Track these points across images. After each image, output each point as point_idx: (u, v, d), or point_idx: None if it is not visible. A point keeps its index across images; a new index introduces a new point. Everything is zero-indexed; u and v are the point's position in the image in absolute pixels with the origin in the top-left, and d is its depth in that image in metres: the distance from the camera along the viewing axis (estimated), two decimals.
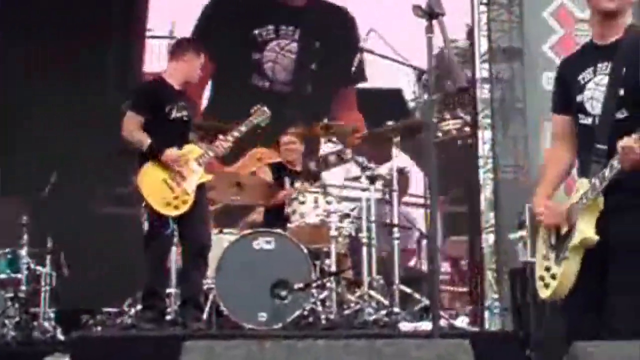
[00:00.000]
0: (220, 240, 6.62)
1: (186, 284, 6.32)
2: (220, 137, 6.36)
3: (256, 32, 10.19)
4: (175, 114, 6.22)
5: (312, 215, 6.76)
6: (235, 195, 6.95)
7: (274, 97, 9.72)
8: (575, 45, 10.22)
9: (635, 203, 3.39)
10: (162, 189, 6.14)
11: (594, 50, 3.57)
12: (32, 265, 7.61)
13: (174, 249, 6.61)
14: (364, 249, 6.80)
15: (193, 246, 6.26)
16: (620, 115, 3.41)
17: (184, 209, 6.14)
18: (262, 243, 6.44)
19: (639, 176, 3.27)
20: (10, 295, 7.39)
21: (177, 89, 6.37)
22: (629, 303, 3.34)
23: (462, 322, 6.79)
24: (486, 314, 7.98)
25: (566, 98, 3.61)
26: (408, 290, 6.87)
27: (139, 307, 6.56)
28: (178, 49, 6.49)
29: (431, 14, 3.13)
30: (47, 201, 7.90)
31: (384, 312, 6.52)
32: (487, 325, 8.38)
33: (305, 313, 6.35)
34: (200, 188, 6.28)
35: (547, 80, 10.15)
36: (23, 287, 7.44)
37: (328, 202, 6.77)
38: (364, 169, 7.01)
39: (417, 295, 6.91)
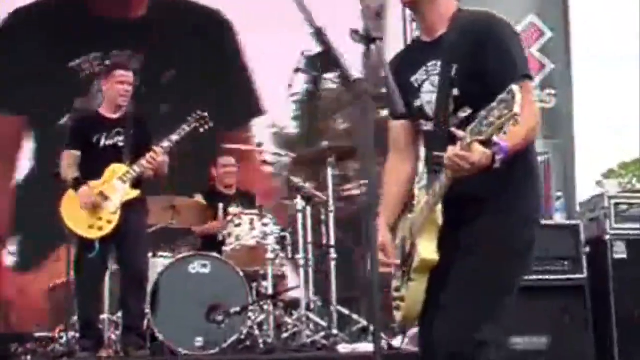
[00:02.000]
0: (155, 264, 6.48)
1: (126, 311, 6.19)
2: (153, 148, 6.21)
3: None
4: (105, 142, 6.20)
5: (248, 238, 6.67)
6: (170, 219, 6.86)
7: None
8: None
9: (478, 212, 3.09)
10: (83, 213, 6.04)
11: (422, 47, 3.29)
12: None
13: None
14: (301, 271, 6.74)
15: (128, 272, 6.15)
16: (463, 113, 3.08)
17: (109, 228, 6.04)
18: (198, 267, 6.33)
19: (478, 185, 2.97)
20: None
21: (110, 117, 6.28)
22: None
23: (399, 341, 6.73)
24: None
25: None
26: (346, 311, 6.83)
27: (72, 333, 6.41)
28: (98, 81, 6.47)
29: (368, 38, 3.06)
30: None
31: (322, 333, 6.46)
32: None
33: (243, 337, 6.25)
34: (130, 207, 6.14)
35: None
36: None
37: (264, 224, 6.68)
38: (298, 189, 6.95)
39: (355, 316, 6.88)
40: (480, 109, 2.85)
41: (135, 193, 6.17)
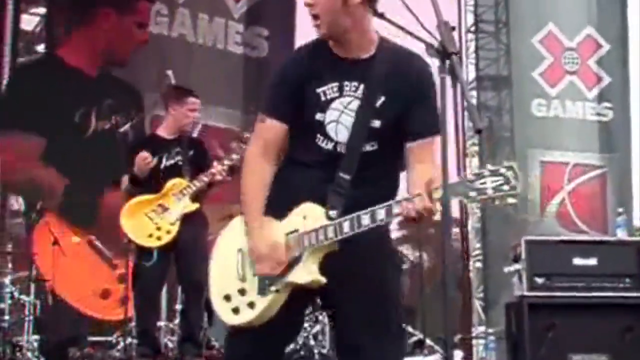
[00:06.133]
0: None
1: (186, 321, 6.21)
2: (215, 164, 6.24)
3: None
4: (165, 163, 6.22)
5: None
6: None
7: None
8: (564, 72, 10.34)
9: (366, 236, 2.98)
10: (143, 223, 6.11)
11: (336, 62, 3.10)
12: (15, 294, 7.44)
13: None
14: None
15: (188, 284, 6.16)
16: (370, 147, 3.04)
17: (167, 239, 6.06)
18: None
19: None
20: None
21: (170, 138, 6.30)
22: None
23: (456, 355, 6.70)
24: (481, 346, 7.91)
25: (293, 107, 3.10)
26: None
27: (129, 340, 6.45)
28: (165, 101, 6.48)
29: (444, 53, 3.03)
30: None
31: None
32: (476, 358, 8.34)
33: (298, 347, 6.25)
34: (189, 220, 6.16)
35: (537, 107, 10.20)
36: (6, 317, 7.25)
37: None
38: None
39: (410, 329, 6.84)
40: (384, 148, 2.93)
41: (195, 206, 6.18)
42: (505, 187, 2.70)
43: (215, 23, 10.26)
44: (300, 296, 3.05)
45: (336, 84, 3.07)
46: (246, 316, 3.05)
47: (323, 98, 3.07)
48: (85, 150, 9.18)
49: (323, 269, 3.00)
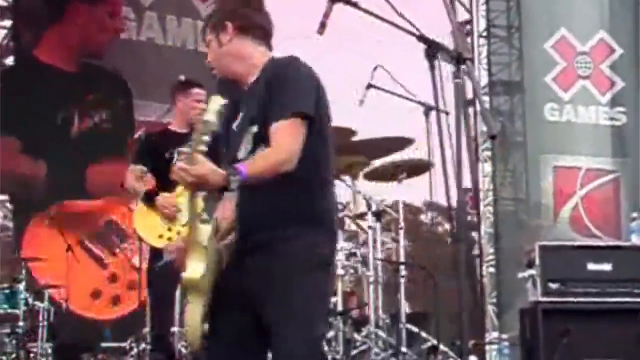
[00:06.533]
0: None
1: None
2: None
3: None
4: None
5: None
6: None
7: None
8: (576, 77, 10.31)
9: (272, 238, 3.16)
10: (155, 223, 6.09)
11: (241, 95, 3.41)
12: (30, 301, 7.46)
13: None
14: (371, 287, 6.69)
15: None
16: (261, 150, 3.21)
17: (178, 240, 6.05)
18: None
19: (272, 213, 3.16)
20: (7, 330, 7.25)
21: (182, 132, 6.27)
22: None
23: None
24: (494, 352, 7.89)
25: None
26: (415, 329, 6.76)
27: (142, 345, 6.45)
28: (172, 95, 6.47)
29: (459, 58, 3.04)
30: None
31: (390, 352, 6.41)
32: None
33: None
34: None
35: (550, 112, 10.19)
36: (20, 323, 7.29)
37: None
38: (369, 205, 6.89)
39: (424, 334, 6.81)
40: None
41: None
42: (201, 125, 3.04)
43: (184, 24, 10.32)
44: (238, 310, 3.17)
45: (241, 113, 3.34)
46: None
47: (237, 131, 3.35)
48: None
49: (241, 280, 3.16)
